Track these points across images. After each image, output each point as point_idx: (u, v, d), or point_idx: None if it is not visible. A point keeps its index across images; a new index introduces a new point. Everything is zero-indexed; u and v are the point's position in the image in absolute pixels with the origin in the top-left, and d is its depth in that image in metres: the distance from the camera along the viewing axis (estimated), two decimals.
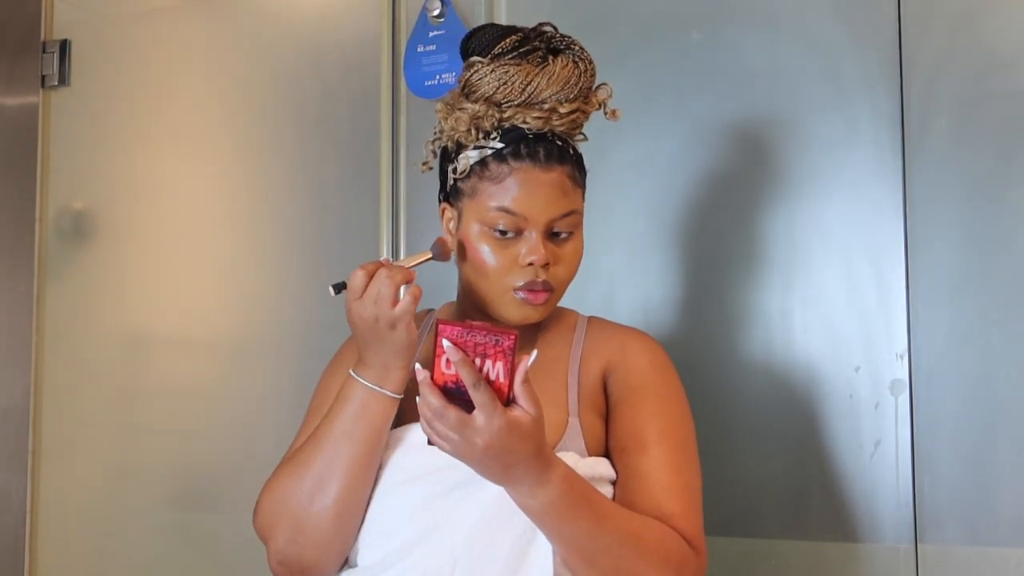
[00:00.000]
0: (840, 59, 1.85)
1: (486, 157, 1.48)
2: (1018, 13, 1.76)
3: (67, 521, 2.40)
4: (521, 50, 1.50)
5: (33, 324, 2.44)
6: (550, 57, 1.50)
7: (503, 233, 1.47)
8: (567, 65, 1.49)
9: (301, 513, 1.43)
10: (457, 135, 1.50)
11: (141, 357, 2.38)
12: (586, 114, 1.52)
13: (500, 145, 1.48)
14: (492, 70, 1.48)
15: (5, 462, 2.41)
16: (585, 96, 1.51)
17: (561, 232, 1.48)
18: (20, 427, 2.41)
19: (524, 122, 1.47)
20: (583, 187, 1.52)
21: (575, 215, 1.49)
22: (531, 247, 1.46)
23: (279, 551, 1.45)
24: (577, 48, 1.52)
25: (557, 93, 1.47)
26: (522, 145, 1.47)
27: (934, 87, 1.79)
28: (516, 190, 1.46)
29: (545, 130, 1.48)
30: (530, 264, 1.46)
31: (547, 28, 1.54)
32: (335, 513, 1.43)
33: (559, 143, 1.48)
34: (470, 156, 1.49)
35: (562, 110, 1.47)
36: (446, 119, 1.51)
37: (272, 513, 1.45)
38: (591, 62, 1.51)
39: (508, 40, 1.50)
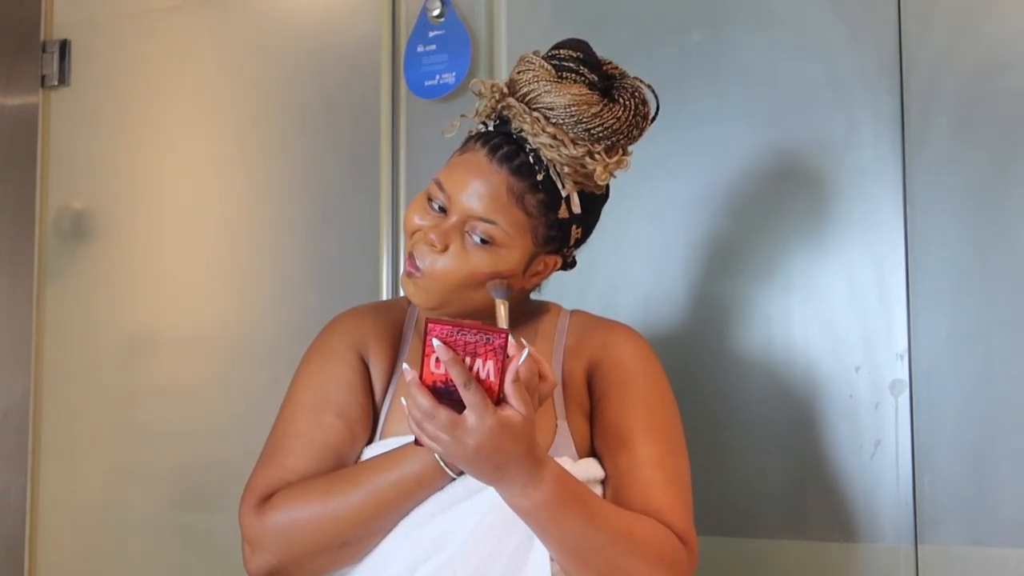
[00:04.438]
0: (840, 59, 1.85)
1: (472, 134, 1.47)
2: (1018, 13, 1.76)
3: (67, 521, 2.40)
4: (567, 63, 1.43)
5: (33, 324, 2.44)
6: (586, 84, 1.42)
7: (431, 202, 1.44)
8: (591, 96, 1.40)
9: (322, 551, 1.41)
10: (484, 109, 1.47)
11: (141, 357, 2.37)
12: (576, 159, 1.40)
13: (483, 127, 1.46)
14: (529, 64, 1.44)
15: (5, 462, 2.41)
16: (593, 140, 1.41)
17: (475, 235, 1.42)
18: (20, 427, 2.41)
19: (515, 117, 1.42)
20: (532, 220, 1.42)
21: (495, 229, 1.41)
22: (438, 223, 1.43)
23: (275, 568, 1.43)
24: (627, 99, 1.42)
25: (560, 111, 1.40)
26: (493, 135, 1.43)
27: (934, 87, 1.79)
28: (457, 169, 1.44)
29: (528, 138, 1.41)
30: (420, 230, 1.43)
31: (626, 76, 1.47)
32: (357, 557, 1.43)
33: (529, 158, 1.41)
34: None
35: (548, 129, 1.39)
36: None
37: (287, 538, 1.41)
38: (627, 123, 1.42)
39: (567, 52, 1.44)
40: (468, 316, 1.47)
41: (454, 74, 2.10)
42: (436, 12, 2.12)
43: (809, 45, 1.88)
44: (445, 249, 1.42)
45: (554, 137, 1.40)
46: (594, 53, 1.47)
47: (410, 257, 1.45)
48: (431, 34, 2.13)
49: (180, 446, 2.32)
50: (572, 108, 1.40)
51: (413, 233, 1.46)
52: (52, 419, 2.42)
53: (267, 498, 1.44)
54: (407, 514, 1.41)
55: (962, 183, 1.77)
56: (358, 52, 2.22)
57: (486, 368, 1.24)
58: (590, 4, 2.06)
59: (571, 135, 1.40)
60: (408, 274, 1.45)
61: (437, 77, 2.12)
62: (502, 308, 1.37)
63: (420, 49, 2.14)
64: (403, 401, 1.28)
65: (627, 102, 1.43)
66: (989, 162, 1.76)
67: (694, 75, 1.95)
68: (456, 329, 1.23)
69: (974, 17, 1.78)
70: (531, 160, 1.41)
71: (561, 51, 1.45)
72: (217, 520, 2.27)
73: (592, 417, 1.51)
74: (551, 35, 1.50)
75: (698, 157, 1.94)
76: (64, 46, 2.47)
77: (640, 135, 1.46)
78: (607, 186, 1.49)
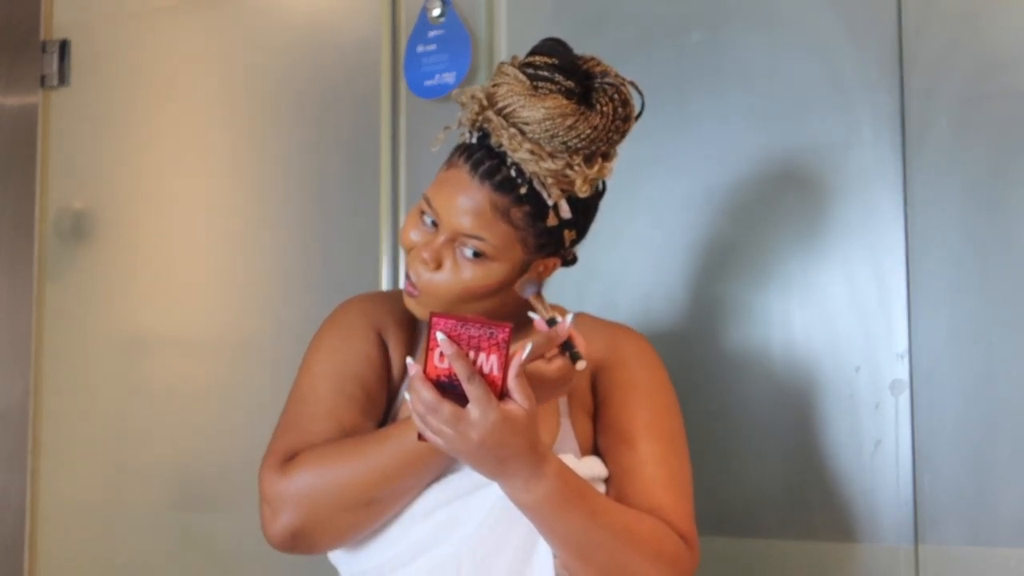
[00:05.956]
0: (840, 59, 1.85)
1: (457, 145, 1.47)
2: (1018, 13, 1.76)
3: (67, 521, 2.40)
4: (542, 72, 1.41)
5: (33, 324, 2.44)
6: (562, 93, 1.40)
7: (423, 216, 1.45)
8: (566, 107, 1.38)
9: (349, 508, 1.40)
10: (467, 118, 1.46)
11: (141, 357, 2.38)
12: (556, 172, 1.39)
13: (465, 139, 1.45)
14: (505, 75, 1.43)
15: (5, 462, 2.41)
16: (570, 152, 1.39)
17: (466, 250, 1.42)
18: (20, 427, 2.41)
19: (494, 131, 1.41)
20: (520, 232, 1.41)
21: (484, 244, 1.40)
22: (429, 241, 1.43)
23: (297, 530, 1.41)
24: (605, 103, 1.40)
25: (535, 125, 1.38)
26: (476, 150, 1.42)
27: (934, 87, 1.79)
28: (442, 186, 1.43)
29: (509, 152, 1.39)
30: (414, 250, 1.44)
31: (607, 73, 1.44)
32: (382, 518, 1.43)
33: (512, 173, 1.39)
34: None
35: (526, 144, 1.38)
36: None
37: (313, 494, 1.39)
38: (605, 129, 1.40)
39: (543, 59, 1.42)
40: None
41: (454, 74, 2.10)
42: (436, 12, 2.12)
43: (809, 45, 1.88)
44: (439, 267, 1.42)
45: (532, 152, 1.38)
46: (571, 55, 1.45)
47: (407, 276, 1.46)
48: (431, 34, 2.13)
49: (180, 446, 2.32)
50: (547, 123, 1.38)
51: (410, 250, 1.46)
52: (52, 419, 2.42)
53: (290, 459, 1.43)
54: (433, 475, 1.41)
55: (962, 183, 1.77)
56: (358, 52, 2.22)
57: (489, 362, 1.25)
58: (590, 4, 2.06)
59: (548, 149, 1.39)
60: (408, 293, 1.46)
61: (437, 77, 2.12)
62: (539, 302, 1.39)
63: (420, 49, 2.14)
64: (406, 396, 1.29)
65: (605, 107, 1.41)
66: (989, 162, 1.76)
67: (694, 75, 1.95)
68: (460, 323, 1.24)
69: (974, 17, 1.78)
70: (513, 174, 1.40)
71: (536, 58, 1.43)
72: (217, 520, 2.27)
73: (596, 416, 1.52)
74: (551, 35, 1.49)
75: (698, 157, 1.94)
76: (64, 46, 2.47)
77: (622, 138, 1.44)
78: (603, 182, 1.49)
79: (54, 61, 2.47)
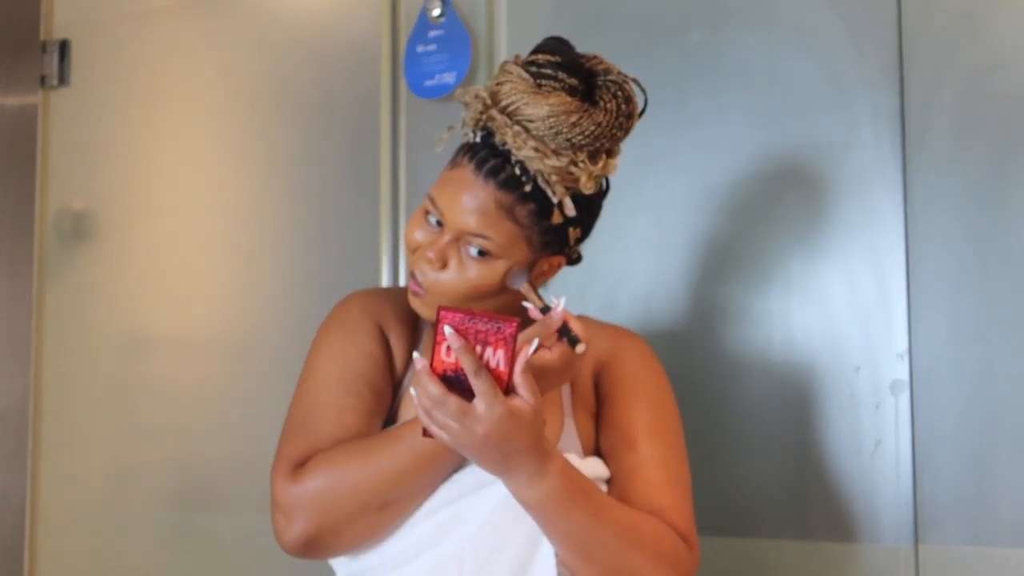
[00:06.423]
0: (840, 59, 1.85)
1: (461, 144, 1.46)
2: (1018, 13, 1.76)
3: (67, 521, 2.40)
4: (545, 70, 1.42)
5: (33, 324, 2.44)
6: (565, 91, 1.40)
7: (428, 216, 1.45)
8: (570, 104, 1.39)
9: (364, 512, 1.39)
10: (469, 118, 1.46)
11: (141, 357, 2.38)
12: (561, 169, 1.40)
13: (469, 139, 1.45)
14: (508, 74, 1.43)
15: (5, 462, 2.41)
16: (575, 149, 1.40)
17: (471, 248, 1.42)
18: (20, 427, 2.41)
19: (499, 130, 1.41)
20: (525, 230, 1.42)
21: (489, 243, 1.41)
22: (434, 240, 1.44)
23: (311, 537, 1.40)
24: (609, 100, 1.41)
25: (539, 123, 1.38)
26: (480, 148, 1.42)
27: (934, 87, 1.79)
28: (447, 185, 1.44)
29: (513, 151, 1.40)
30: (419, 249, 1.44)
31: (610, 71, 1.44)
32: (398, 520, 1.43)
33: (516, 171, 1.40)
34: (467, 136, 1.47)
35: (530, 142, 1.38)
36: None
37: (327, 500, 1.38)
38: (609, 126, 1.40)
39: (546, 58, 1.43)
40: None
41: (454, 74, 2.10)
42: (436, 12, 2.12)
43: (809, 45, 1.88)
44: (444, 266, 1.43)
45: (536, 149, 1.39)
46: (573, 53, 1.45)
47: (412, 276, 1.46)
48: (431, 34, 2.13)
49: (180, 446, 2.32)
50: (551, 120, 1.38)
51: (415, 250, 1.46)
52: (52, 419, 2.42)
53: (301, 465, 1.42)
54: (446, 474, 1.40)
55: (962, 183, 1.77)
56: (358, 52, 2.22)
57: (496, 357, 1.25)
58: (590, 4, 2.06)
59: (552, 146, 1.39)
60: (413, 293, 1.46)
61: (437, 77, 2.12)
62: (530, 292, 1.39)
63: (420, 49, 2.14)
64: (412, 392, 1.29)
65: (608, 104, 1.41)
66: (989, 162, 1.76)
67: (694, 75, 1.95)
68: (467, 317, 1.24)
69: (974, 17, 1.78)
70: (518, 172, 1.40)
71: (539, 57, 1.44)
72: (217, 520, 2.27)
73: (598, 418, 1.52)
74: (551, 35, 1.49)
75: (698, 157, 1.94)
76: (64, 46, 2.47)
77: (625, 135, 1.45)
78: (607, 180, 1.49)
79: (54, 61, 2.47)
